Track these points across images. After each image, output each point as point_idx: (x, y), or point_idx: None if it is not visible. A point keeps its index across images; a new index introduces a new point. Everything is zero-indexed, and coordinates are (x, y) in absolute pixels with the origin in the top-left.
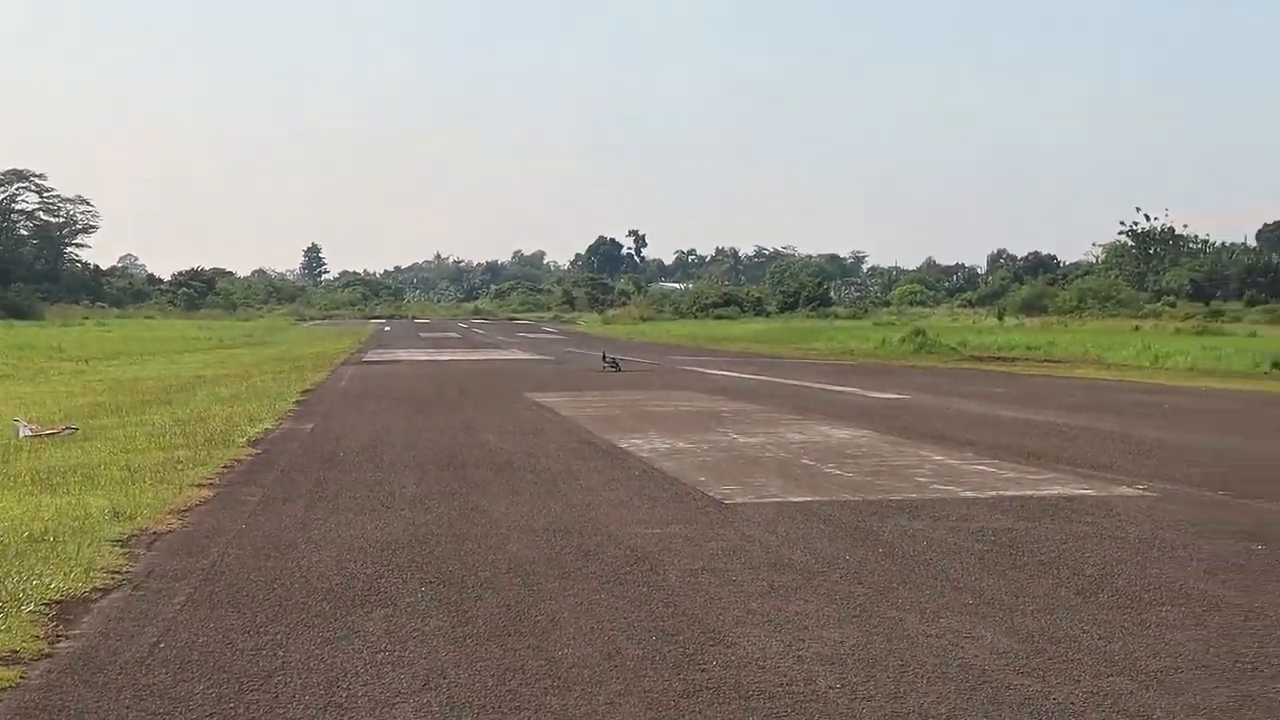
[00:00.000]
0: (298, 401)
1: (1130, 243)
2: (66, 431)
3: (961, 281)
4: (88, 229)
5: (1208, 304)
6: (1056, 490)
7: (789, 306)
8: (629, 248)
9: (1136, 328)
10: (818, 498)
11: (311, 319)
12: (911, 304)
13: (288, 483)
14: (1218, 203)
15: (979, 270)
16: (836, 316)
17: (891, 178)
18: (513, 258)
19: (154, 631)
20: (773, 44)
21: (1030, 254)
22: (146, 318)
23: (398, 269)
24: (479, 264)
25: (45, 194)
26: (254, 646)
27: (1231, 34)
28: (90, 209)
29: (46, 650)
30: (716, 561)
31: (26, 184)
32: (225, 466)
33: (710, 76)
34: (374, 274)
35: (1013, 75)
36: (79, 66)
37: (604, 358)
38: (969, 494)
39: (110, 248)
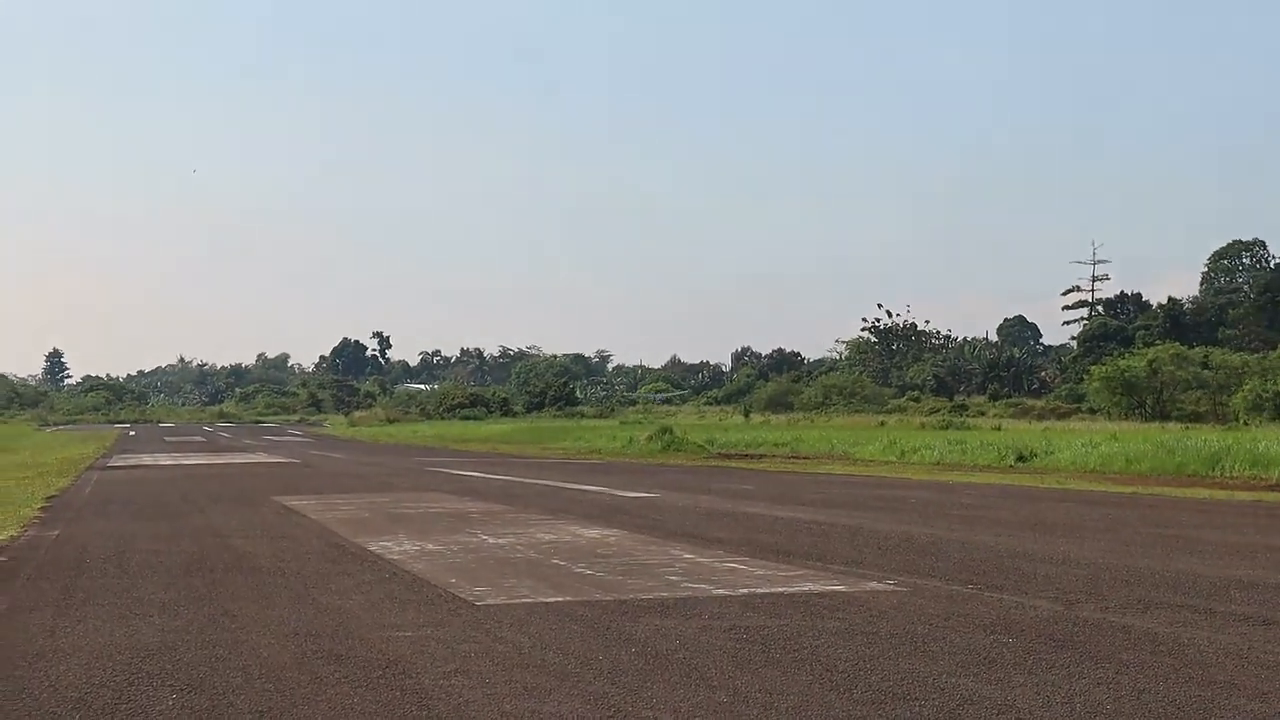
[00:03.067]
0: (42, 508)
1: (873, 339)
2: None
3: (707, 379)
4: None
5: (951, 399)
6: (807, 586)
7: (536, 406)
8: (374, 349)
9: (882, 423)
10: (570, 598)
11: (55, 424)
12: (658, 402)
13: (34, 590)
14: (958, 299)
15: (724, 368)
16: (583, 415)
17: (634, 274)
18: (257, 360)
19: None
20: (517, 144)
21: (774, 351)
22: None
23: (141, 373)
24: (223, 367)
25: None
26: None
27: (964, 138)
28: None
29: None
30: (469, 663)
31: None
32: None
33: (455, 179)
34: (117, 378)
35: (750, 175)
36: None
37: None
38: (721, 591)
39: None
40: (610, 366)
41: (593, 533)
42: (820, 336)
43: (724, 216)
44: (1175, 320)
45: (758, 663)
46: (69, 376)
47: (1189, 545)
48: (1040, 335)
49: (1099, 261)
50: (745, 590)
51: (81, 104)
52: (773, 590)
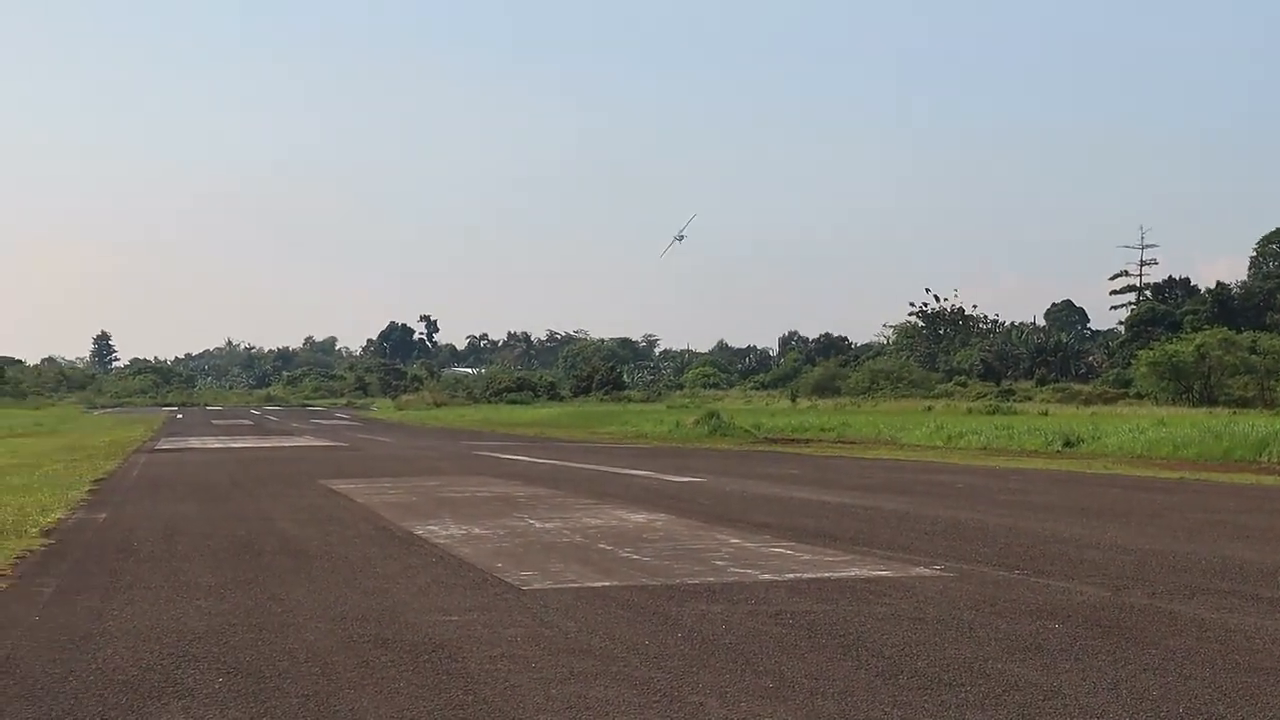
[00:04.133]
0: (90, 490)
1: (920, 323)
2: None
3: (754, 364)
4: None
5: (999, 383)
6: (854, 572)
7: (582, 390)
8: (421, 333)
9: (929, 408)
10: (616, 582)
11: (103, 407)
12: (705, 386)
13: (82, 573)
14: (1007, 282)
15: (771, 352)
16: (630, 400)
17: (681, 260)
18: (304, 343)
19: None
20: (564, 129)
21: (822, 335)
22: None
23: (189, 356)
24: (270, 350)
25: None
26: None
27: (1014, 120)
28: None
29: None
30: (515, 648)
31: None
32: (17, 557)
33: (501, 164)
34: (165, 361)
35: (803, 158)
36: None
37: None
38: (767, 577)
39: None
40: (657, 351)
41: (639, 517)
42: (867, 321)
43: (773, 196)
44: (1223, 305)
45: (804, 648)
46: (117, 359)
47: (1236, 531)
48: (1088, 320)
49: (1147, 246)
50: (792, 575)
51: (129, 79)
52: (819, 575)
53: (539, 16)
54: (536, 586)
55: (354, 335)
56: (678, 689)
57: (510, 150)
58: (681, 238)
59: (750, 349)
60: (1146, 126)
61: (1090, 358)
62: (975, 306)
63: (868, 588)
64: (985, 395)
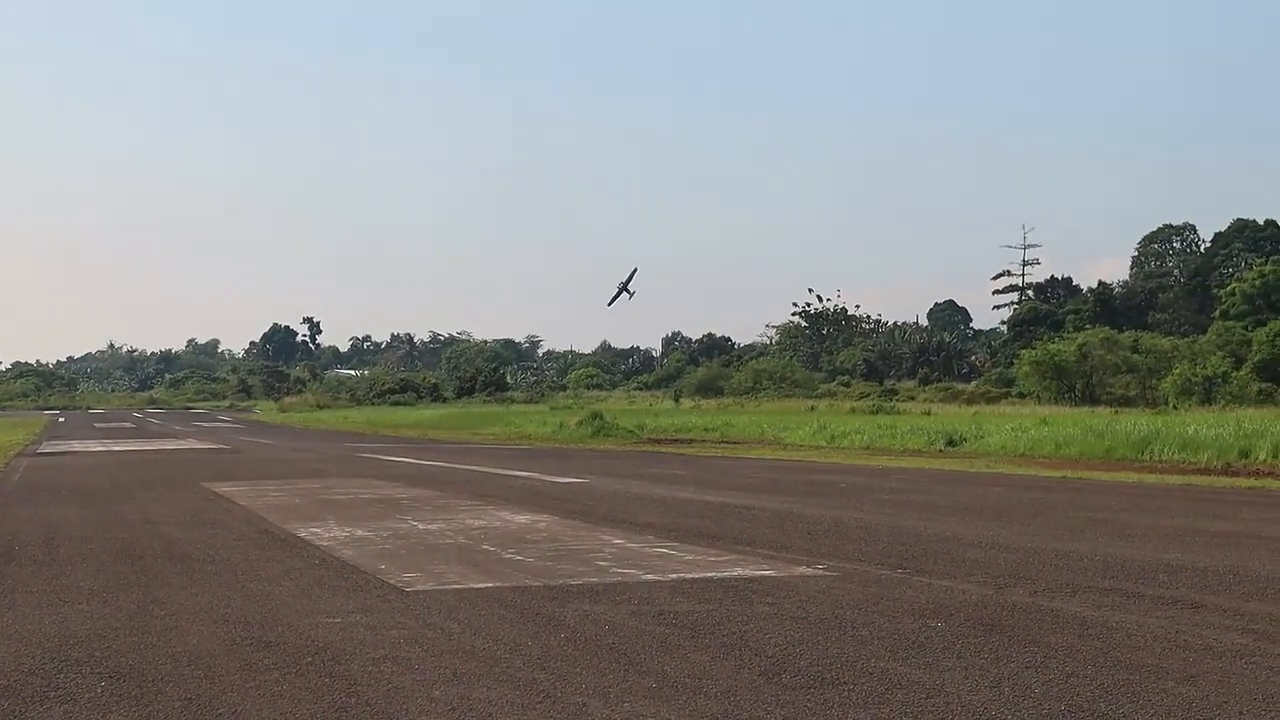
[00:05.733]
0: None
1: (804, 323)
2: None
3: (637, 365)
4: None
5: (881, 383)
6: (737, 571)
7: (466, 391)
8: (304, 335)
9: (813, 408)
10: (499, 583)
11: None
12: (588, 387)
13: None
14: (890, 283)
15: (654, 353)
16: (513, 401)
17: (564, 259)
18: (187, 346)
19: None
20: (448, 130)
21: (705, 336)
22: None
23: (71, 359)
24: (153, 353)
25: None
26: None
27: (898, 121)
28: None
29: None
30: (399, 649)
31: None
32: None
33: (386, 165)
34: (47, 364)
35: (688, 164)
36: None
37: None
38: (650, 577)
39: None
40: (541, 352)
41: (522, 518)
42: (751, 321)
43: (656, 199)
44: (1105, 304)
45: (687, 648)
46: None
47: (1118, 529)
48: (970, 320)
49: (1030, 246)
50: (675, 575)
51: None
52: (702, 575)
53: (450, 10)
54: (420, 588)
55: (237, 337)
56: (561, 689)
57: (394, 151)
58: (632, 293)
59: (634, 350)
60: (1030, 127)
61: (973, 357)
62: (858, 307)
63: (751, 587)
64: (868, 395)
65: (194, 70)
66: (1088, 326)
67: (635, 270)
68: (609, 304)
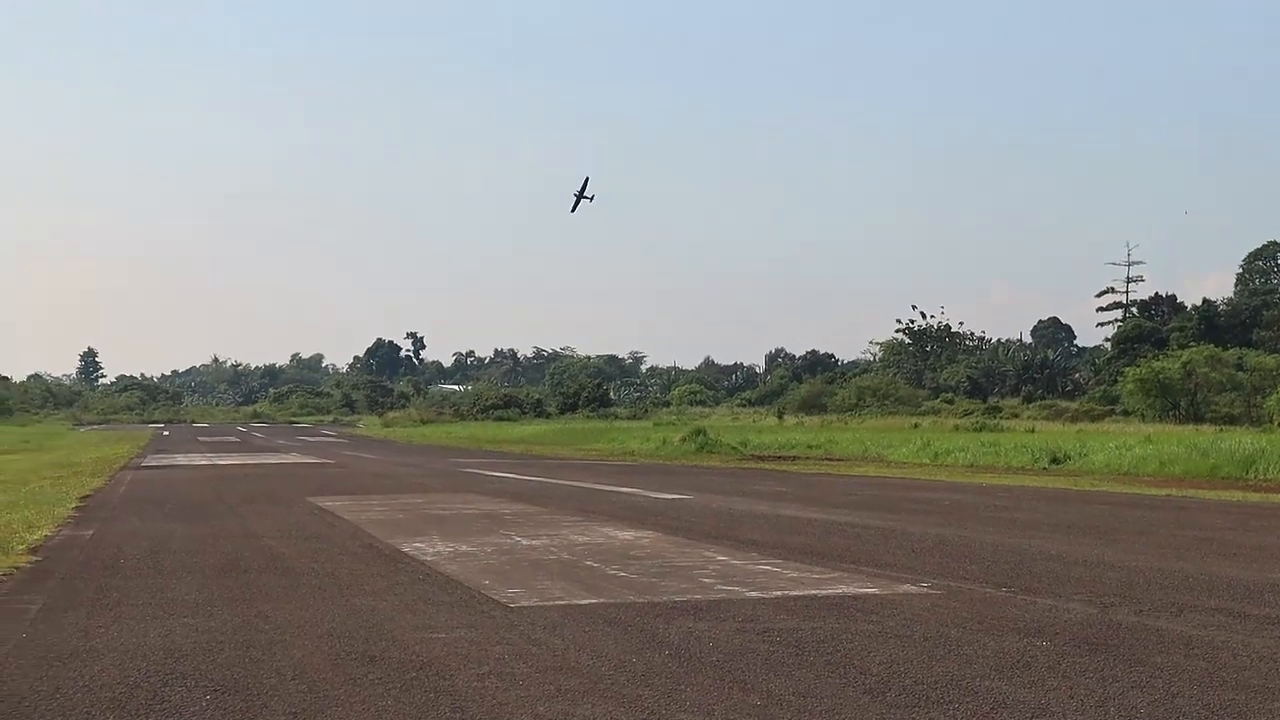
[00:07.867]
0: (77, 507)
1: (907, 340)
2: None
3: (740, 381)
4: None
5: (985, 400)
6: (841, 589)
7: (569, 407)
8: (408, 350)
9: (916, 425)
10: (603, 600)
11: (89, 424)
12: (692, 404)
13: (69, 590)
14: (993, 300)
15: (757, 369)
16: (617, 417)
17: (669, 277)
18: (291, 360)
19: None
20: (561, 146)
21: (808, 352)
22: None
23: (175, 373)
24: (257, 367)
25: None
26: None
27: (1002, 137)
28: None
29: None
30: (503, 665)
31: None
32: (4, 575)
33: (494, 181)
34: (151, 378)
35: (790, 176)
36: None
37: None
38: (754, 594)
39: None
40: (644, 368)
41: (626, 535)
42: (854, 338)
43: (755, 212)
44: (1210, 322)
45: (791, 665)
46: (103, 376)
47: (1223, 548)
48: (1074, 337)
49: (1134, 263)
50: (779, 593)
51: (119, 89)
52: (806, 593)
53: (541, 26)
54: (524, 604)
55: (341, 352)
56: (665, 707)
57: (504, 167)
58: (591, 198)
59: (737, 366)
60: (1135, 142)
61: (1077, 375)
62: (962, 323)
63: (855, 605)
64: (972, 412)
65: (304, 80)
66: (1192, 344)
67: (587, 179)
68: (571, 210)
